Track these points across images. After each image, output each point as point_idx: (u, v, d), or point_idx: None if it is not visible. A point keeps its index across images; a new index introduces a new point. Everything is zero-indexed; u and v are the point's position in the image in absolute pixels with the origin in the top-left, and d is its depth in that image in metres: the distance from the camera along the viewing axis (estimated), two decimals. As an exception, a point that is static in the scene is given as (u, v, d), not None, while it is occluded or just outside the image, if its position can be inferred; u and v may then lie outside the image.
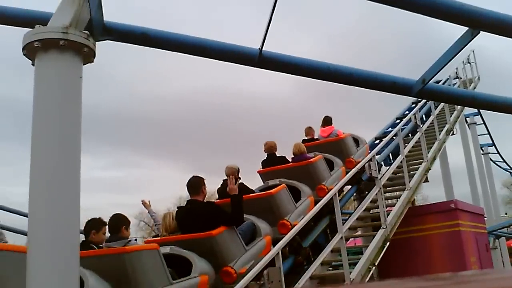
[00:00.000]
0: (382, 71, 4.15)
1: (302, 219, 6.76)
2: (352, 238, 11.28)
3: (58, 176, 2.78)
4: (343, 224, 7.42)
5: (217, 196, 7.60)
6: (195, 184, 5.94)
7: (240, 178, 7.15)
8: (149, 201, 7.68)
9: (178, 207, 6.21)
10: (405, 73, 4.26)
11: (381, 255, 8.06)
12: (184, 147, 59.05)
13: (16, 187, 38.09)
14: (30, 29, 2.98)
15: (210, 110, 59.89)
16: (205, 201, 6.10)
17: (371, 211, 9.97)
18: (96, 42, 3.27)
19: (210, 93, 59.62)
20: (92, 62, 3.23)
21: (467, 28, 3.52)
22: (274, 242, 6.18)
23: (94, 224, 5.45)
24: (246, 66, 3.87)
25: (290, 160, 8.61)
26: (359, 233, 10.21)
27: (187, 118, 59.61)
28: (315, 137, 10.23)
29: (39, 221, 2.73)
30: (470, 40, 3.58)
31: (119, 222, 5.22)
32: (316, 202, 7.36)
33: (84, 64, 3.11)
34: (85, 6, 3.17)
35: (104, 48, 3.43)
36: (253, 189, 7.68)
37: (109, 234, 5.31)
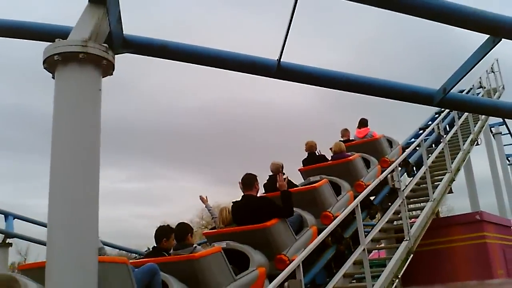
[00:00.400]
0: (404, 80, 4.11)
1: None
2: (376, 251, 11.14)
3: (78, 188, 2.81)
4: (365, 236, 7.35)
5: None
6: (249, 181, 6.44)
7: (284, 174, 7.45)
8: (206, 197, 7.97)
9: (233, 202, 6.63)
10: (428, 83, 4.22)
11: (405, 267, 7.94)
12: (206, 159, 59.23)
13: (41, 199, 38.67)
14: (51, 43, 3.03)
15: (232, 121, 60.26)
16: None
17: (394, 223, 9.83)
18: (116, 55, 3.32)
19: (232, 104, 59.97)
20: (112, 74, 3.27)
21: (488, 35, 3.47)
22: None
23: (165, 232, 5.78)
24: (265, 77, 3.89)
25: (330, 159, 9.05)
26: (382, 245, 10.07)
27: (208, 129, 60.04)
28: (351, 138, 10.66)
29: (58, 231, 2.76)
30: (492, 48, 3.53)
31: (185, 231, 5.63)
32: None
33: (103, 77, 3.15)
34: (104, 19, 3.22)
35: (127, 60, 3.47)
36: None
37: (175, 241, 5.70)
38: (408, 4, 3.17)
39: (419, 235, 8.74)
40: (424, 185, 10.16)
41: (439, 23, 3.35)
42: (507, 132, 22.32)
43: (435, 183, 10.57)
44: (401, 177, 9.17)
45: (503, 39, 3.45)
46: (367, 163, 9.13)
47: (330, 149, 9.27)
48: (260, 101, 61.42)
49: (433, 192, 9.79)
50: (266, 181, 8.02)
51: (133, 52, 3.62)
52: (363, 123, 10.92)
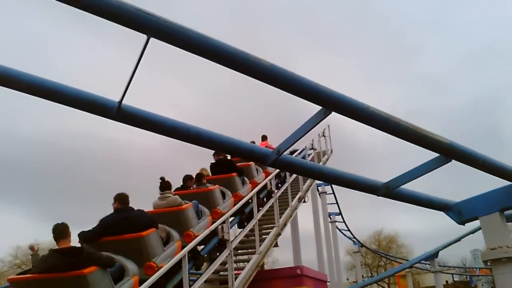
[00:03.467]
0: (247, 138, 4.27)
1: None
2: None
3: None
4: (190, 287, 7.30)
5: None
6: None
7: None
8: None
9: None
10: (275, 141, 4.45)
11: (226, 319, 8.00)
12: (34, 192, 54.91)
13: None
14: None
15: (68, 155, 56.95)
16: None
17: (220, 274, 9.93)
18: None
19: (71, 137, 56.85)
20: None
21: (321, 107, 3.77)
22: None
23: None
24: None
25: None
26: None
27: (41, 161, 55.91)
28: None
29: None
30: (323, 119, 3.83)
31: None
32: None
33: None
34: None
35: None
36: None
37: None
38: (256, 70, 3.31)
39: (242, 287, 8.91)
40: (252, 237, 10.46)
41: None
42: (331, 192, 24.25)
43: (263, 236, 10.96)
44: (231, 228, 9.35)
45: (333, 112, 3.77)
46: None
47: None
48: (103, 137, 59.15)
49: (260, 245, 10.13)
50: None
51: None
52: (264, 138, 14.06)
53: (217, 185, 10.16)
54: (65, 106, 3.59)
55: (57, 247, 5.91)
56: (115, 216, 7.12)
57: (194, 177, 10.07)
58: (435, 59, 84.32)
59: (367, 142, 67.24)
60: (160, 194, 8.72)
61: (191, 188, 9.88)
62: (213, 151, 10.81)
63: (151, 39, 3.02)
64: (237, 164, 11.28)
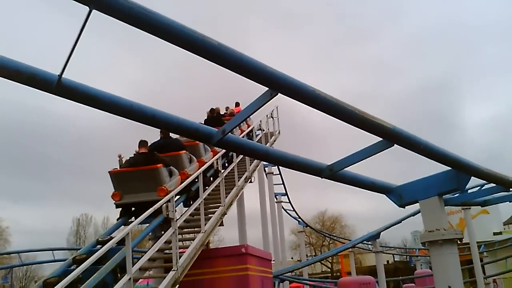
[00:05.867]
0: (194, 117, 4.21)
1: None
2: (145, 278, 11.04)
3: None
4: (133, 264, 7.23)
5: None
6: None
7: None
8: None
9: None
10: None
11: (170, 297, 7.98)
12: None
13: None
14: None
15: (8, 126, 54.84)
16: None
17: (165, 252, 9.87)
18: None
19: (5, 107, 54.59)
20: None
21: (267, 88, 3.75)
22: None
23: None
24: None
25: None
26: (150, 273, 9.99)
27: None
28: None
29: None
30: (269, 100, 3.82)
31: None
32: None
33: None
34: None
35: None
36: None
37: None
38: (202, 48, 3.24)
39: (187, 265, 8.90)
40: (198, 216, 10.42)
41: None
42: (278, 172, 24.47)
43: (209, 215, 10.96)
44: (177, 206, 9.30)
45: (279, 94, 3.76)
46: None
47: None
48: (43, 108, 56.88)
49: (205, 224, 10.13)
50: None
51: None
52: (237, 104, 18.37)
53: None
54: (2, 78, 3.43)
55: (140, 151, 9.76)
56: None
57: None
58: (386, 44, 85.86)
59: (318, 125, 68.18)
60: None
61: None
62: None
63: (94, 11, 2.91)
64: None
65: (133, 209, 9.59)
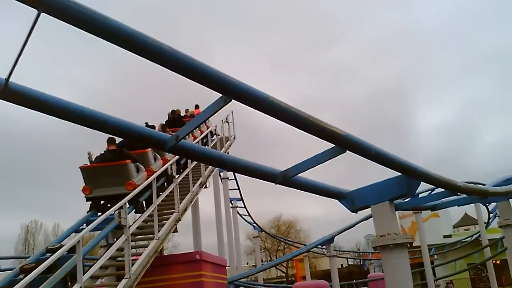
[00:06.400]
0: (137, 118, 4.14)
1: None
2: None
3: None
4: (84, 273, 7.08)
5: None
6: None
7: None
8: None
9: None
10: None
11: (121, 305, 7.83)
12: None
13: None
14: None
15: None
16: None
17: (118, 259, 9.69)
18: None
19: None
20: None
21: (221, 94, 3.74)
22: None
23: None
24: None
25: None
26: (102, 282, 9.79)
27: None
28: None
29: None
30: (223, 106, 3.81)
31: None
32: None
33: None
34: None
35: None
36: None
37: None
38: (155, 54, 3.20)
39: (140, 272, 8.76)
40: (151, 222, 10.28)
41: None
42: (233, 177, 24.47)
43: (163, 222, 10.82)
44: (129, 214, 9.15)
45: (233, 100, 3.76)
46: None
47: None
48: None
49: (159, 231, 10.00)
50: None
51: None
52: (196, 106, 18.21)
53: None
54: None
55: (109, 148, 10.35)
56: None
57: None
58: (342, 49, 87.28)
59: (274, 130, 68.55)
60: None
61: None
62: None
63: (43, 14, 2.83)
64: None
65: (102, 202, 10.23)
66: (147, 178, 10.32)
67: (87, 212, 10.02)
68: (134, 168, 10.20)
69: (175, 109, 16.93)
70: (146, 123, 13.07)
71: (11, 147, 59.84)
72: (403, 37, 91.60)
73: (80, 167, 10.04)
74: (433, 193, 8.98)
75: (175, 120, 15.88)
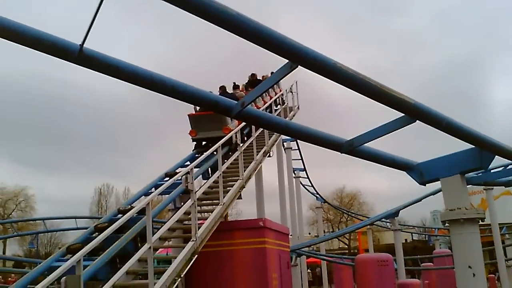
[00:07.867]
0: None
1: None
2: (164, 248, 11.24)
3: None
4: (153, 234, 7.37)
5: None
6: None
7: None
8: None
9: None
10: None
11: (188, 267, 8.12)
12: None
13: None
14: None
15: (28, 97, 55.51)
16: None
17: (184, 223, 10.02)
18: None
19: (30, 78, 55.01)
20: None
21: (287, 60, 3.73)
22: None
23: None
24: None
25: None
26: (169, 243, 10.17)
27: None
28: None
29: None
30: (289, 72, 3.80)
31: None
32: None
33: None
34: None
35: None
36: None
37: None
38: (221, 18, 3.22)
39: (205, 236, 9.02)
40: (216, 189, 10.51)
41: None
42: (297, 148, 24.43)
43: (227, 188, 11.04)
44: (195, 178, 9.42)
45: (299, 66, 3.74)
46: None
47: None
48: (66, 79, 57.20)
49: (224, 197, 10.22)
50: None
51: None
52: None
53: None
54: (25, 47, 3.47)
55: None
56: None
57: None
58: (412, 18, 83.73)
59: (339, 100, 67.55)
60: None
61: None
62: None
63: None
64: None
65: (203, 143, 12.79)
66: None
67: (192, 151, 12.74)
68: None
69: (254, 73, 18.63)
70: (234, 83, 16.79)
71: (86, 114, 62.54)
72: (478, 5, 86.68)
73: (188, 115, 12.67)
74: (507, 168, 8.62)
75: (254, 82, 17.64)
